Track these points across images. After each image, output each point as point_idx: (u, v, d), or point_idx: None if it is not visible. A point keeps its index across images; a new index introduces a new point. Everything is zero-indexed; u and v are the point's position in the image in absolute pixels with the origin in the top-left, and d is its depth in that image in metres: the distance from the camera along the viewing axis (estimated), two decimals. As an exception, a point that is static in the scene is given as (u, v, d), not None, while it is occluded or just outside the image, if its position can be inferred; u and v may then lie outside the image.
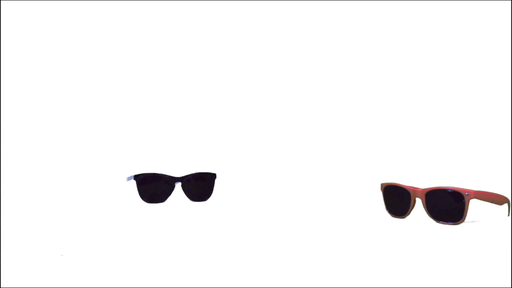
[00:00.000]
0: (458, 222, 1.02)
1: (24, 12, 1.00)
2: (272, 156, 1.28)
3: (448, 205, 1.03)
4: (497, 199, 1.04)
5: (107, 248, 0.70)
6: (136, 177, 1.26)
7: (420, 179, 1.14)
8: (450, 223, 1.03)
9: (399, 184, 1.06)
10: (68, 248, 0.63)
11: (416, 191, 1.04)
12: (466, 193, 1.02)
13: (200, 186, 1.29)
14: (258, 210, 1.16)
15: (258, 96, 1.21)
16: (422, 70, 1.12)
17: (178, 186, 1.26)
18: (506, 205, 1.07)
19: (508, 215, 1.08)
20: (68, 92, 1.10)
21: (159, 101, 1.22)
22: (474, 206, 1.06)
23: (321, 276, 0.74)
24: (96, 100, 1.14)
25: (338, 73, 1.17)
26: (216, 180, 1.30)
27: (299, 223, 1.05)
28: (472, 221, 1.04)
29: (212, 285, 0.61)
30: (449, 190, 1.03)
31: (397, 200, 1.06)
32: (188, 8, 1.10)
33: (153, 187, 1.28)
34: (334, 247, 0.90)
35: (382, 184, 1.08)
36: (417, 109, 1.19)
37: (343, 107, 1.21)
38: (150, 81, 1.18)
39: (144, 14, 1.11)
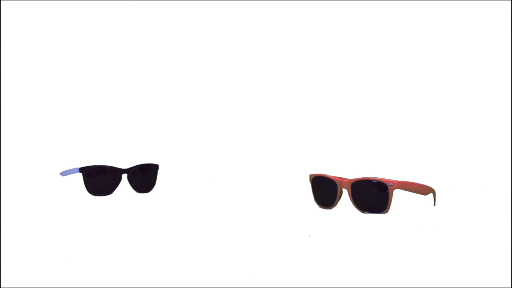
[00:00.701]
0: (383, 212, 1.04)
1: (24, 12, 1.01)
2: (210, 149, 1.29)
3: (372, 196, 1.05)
4: (421, 190, 1.06)
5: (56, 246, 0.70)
6: (83, 170, 1.28)
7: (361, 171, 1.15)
8: (375, 213, 1.05)
9: (326, 175, 1.08)
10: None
11: (342, 182, 1.06)
12: (390, 184, 1.04)
13: (145, 177, 1.32)
14: (199, 201, 1.18)
15: (195, 90, 1.22)
16: (412, 69, 1.11)
17: (124, 177, 1.28)
18: (431, 195, 1.09)
19: (434, 205, 1.10)
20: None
21: (101, 94, 1.23)
22: (400, 197, 1.08)
23: (251, 267, 0.74)
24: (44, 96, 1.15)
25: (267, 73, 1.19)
26: (158, 171, 1.33)
27: (233, 215, 1.07)
28: (396, 211, 1.06)
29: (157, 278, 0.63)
30: (374, 181, 1.04)
31: (324, 191, 1.08)
32: (164, 7, 1.11)
33: (100, 180, 1.30)
34: (266, 237, 0.92)
35: (310, 175, 1.10)
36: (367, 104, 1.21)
37: (277, 100, 1.23)
38: (97, 77, 1.19)
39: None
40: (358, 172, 1.17)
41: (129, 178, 1.29)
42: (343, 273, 0.75)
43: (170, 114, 1.24)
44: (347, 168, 1.25)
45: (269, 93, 1.22)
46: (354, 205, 1.06)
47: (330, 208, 1.08)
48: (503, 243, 0.81)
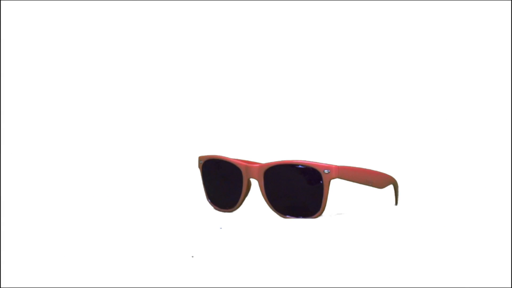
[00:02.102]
0: (314, 216, 0.66)
1: (24, 12, 1.00)
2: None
3: (298, 190, 0.66)
4: (376, 179, 0.67)
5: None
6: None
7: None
8: (301, 217, 0.66)
9: (223, 157, 0.69)
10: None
11: (250, 169, 0.66)
12: (325, 170, 0.65)
13: None
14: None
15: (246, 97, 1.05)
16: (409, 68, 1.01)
17: None
18: (390, 188, 0.71)
19: (396, 204, 0.72)
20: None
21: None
22: (341, 191, 0.70)
23: None
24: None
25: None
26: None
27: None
28: (339, 214, 0.67)
29: None
30: (299, 166, 0.66)
31: (223, 183, 0.69)
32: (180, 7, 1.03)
33: None
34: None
35: (200, 158, 0.71)
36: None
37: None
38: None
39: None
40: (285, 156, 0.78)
41: None
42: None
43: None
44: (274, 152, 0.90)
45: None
46: (270, 206, 0.67)
47: (232, 211, 0.69)
48: (501, 243, 0.57)
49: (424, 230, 0.62)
